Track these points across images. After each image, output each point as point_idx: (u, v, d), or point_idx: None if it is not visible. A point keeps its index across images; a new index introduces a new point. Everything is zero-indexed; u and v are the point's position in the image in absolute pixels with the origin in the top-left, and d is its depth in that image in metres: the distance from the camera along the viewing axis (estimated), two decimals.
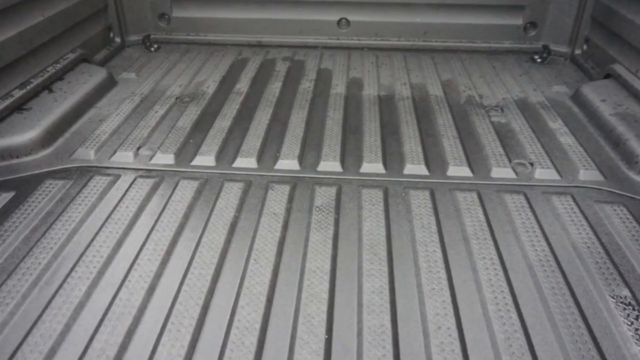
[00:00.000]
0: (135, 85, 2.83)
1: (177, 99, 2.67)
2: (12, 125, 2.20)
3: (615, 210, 1.85)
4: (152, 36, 3.43)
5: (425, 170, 2.09)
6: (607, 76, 2.70)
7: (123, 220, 1.79)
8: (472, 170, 2.09)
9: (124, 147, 2.21)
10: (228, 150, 2.22)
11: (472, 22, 3.29)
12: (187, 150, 2.22)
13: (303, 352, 1.34)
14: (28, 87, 2.40)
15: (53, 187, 1.95)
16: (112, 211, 1.83)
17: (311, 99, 2.67)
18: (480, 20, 3.28)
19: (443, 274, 1.58)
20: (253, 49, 3.37)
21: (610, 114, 2.34)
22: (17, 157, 2.11)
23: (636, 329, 1.40)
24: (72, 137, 2.30)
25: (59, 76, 2.63)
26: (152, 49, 3.34)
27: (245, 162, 2.13)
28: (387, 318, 1.43)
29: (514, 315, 1.44)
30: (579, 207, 1.87)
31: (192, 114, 2.51)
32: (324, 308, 1.46)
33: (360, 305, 1.47)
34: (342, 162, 2.13)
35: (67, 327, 1.40)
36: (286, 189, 1.95)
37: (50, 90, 2.50)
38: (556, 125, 2.43)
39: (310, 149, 2.23)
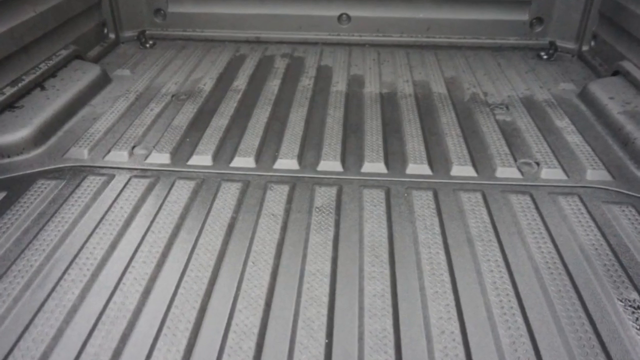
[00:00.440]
0: (130, 82, 2.83)
1: (173, 96, 2.67)
2: (3, 123, 2.20)
3: (623, 211, 1.85)
4: (147, 32, 3.43)
5: (429, 170, 2.09)
6: (616, 73, 2.70)
7: (117, 221, 1.79)
8: (477, 170, 2.09)
9: (119, 146, 2.21)
10: (225, 149, 2.22)
11: (477, 18, 3.29)
12: (183, 149, 2.22)
13: (302, 357, 1.34)
14: (20, 85, 2.40)
15: (45, 188, 1.95)
16: (106, 212, 1.83)
17: (311, 97, 2.67)
18: (485, 15, 3.28)
19: (446, 277, 1.58)
20: (251, 45, 3.37)
21: (619, 112, 2.34)
22: (9, 157, 2.11)
23: None
24: (65, 136, 2.30)
25: (52, 73, 2.63)
26: (148, 45, 3.34)
27: (243, 161, 2.13)
28: (389, 322, 1.43)
29: (520, 319, 1.44)
30: (586, 207, 1.87)
31: (188, 112, 2.51)
32: (324, 312, 1.46)
33: (361, 309, 1.47)
34: (343, 162, 2.13)
35: (60, 332, 1.40)
36: (285, 189, 1.95)
37: (43, 88, 2.50)
38: (563, 123, 2.43)
39: (310, 148, 2.23)
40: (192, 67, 3.03)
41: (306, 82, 2.85)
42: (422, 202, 1.89)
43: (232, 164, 2.12)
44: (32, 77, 2.48)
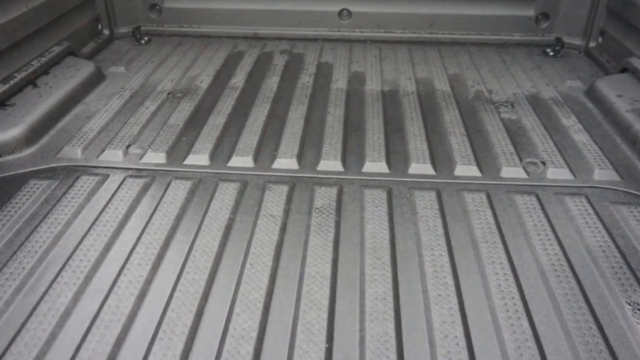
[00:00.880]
0: (125, 79, 2.83)
1: (169, 94, 2.67)
2: None
3: (632, 212, 1.85)
4: (142, 28, 3.43)
5: (432, 170, 2.09)
6: (624, 70, 2.71)
7: (112, 222, 1.79)
8: (481, 170, 2.09)
9: (113, 146, 2.21)
10: (223, 148, 2.22)
11: (481, 13, 3.29)
12: (179, 148, 2.22)
13: (304, 354, 1.34)
14: (11, 82, 2.40)
15: (38, 188, 1.95)
16: (100, 213, 1.83)
17: (310, 95, 2.67)
18: (489, 11, 3.28)
19: (450, 280, 1.58)
20: (249, 41, 3.37)
21: (627, 110, 2.34)
22: (0, 156, 2.11)
23: None
24: (58, 135, 2.30)
25: (44, 70, 2.63)
26: (143, 42, 3.34)
27: (241, 161, 2.13)
28: (390, 326, 1.43)
29: (525, 323, 1.44)
30: (593, 208, 1.87)
31: (184, 110, 2.51)
32: (324, 315, 1.46)
33: (362, 312, 1.47)
34: (343, 162, 2.13)
35: (53, 336, 1.40)
36: (284, 189, 1.95)
37: (35, 85, 2.50)
38: (570, 122, 2.43)
39: (309, 147, 2.23)
40: (188, 64, 3.03)
41: (306, 79, 2.85)
42: (425, 202, 1.90)
43: (230, 164, 2.12)
44: (24, 74, 2.49)
